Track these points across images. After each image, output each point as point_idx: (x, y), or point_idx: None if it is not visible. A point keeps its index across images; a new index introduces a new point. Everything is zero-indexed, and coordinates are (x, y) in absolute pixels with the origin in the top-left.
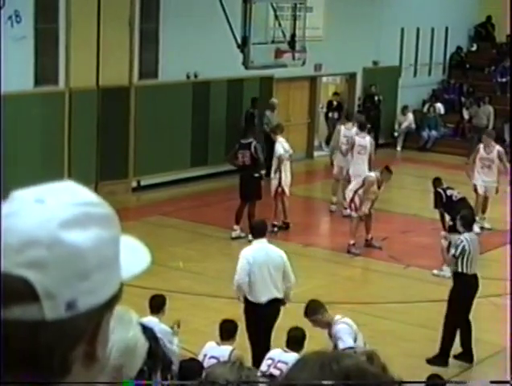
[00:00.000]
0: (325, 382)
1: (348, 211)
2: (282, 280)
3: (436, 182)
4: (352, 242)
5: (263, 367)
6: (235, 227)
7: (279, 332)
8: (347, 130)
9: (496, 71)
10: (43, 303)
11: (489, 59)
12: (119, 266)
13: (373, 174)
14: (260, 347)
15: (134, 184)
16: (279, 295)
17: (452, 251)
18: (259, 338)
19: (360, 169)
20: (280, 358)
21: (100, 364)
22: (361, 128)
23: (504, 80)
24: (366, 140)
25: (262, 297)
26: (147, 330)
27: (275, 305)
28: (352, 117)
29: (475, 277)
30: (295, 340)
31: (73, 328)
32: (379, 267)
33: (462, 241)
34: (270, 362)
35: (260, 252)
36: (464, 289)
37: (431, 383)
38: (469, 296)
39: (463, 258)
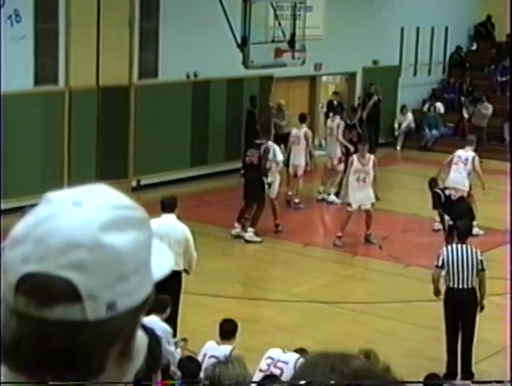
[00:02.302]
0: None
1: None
2: (183, 254)
3: (433, 183)
4: (339, 234)
5: (263, 365)
6: (236, 224)
7: (280, 332)
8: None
9: (496, 71)
10: (85, 304)
11: (488, 58)
12: (151, 268)
13: (354, 156)
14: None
15: (134, 184)
16: (178, 268)
17: (435, 261)
18: None
19: (297, 159)
20: (280, 357)
21: (131, 363)
22: (300, 120)
23: (504, 79)
24: (301, 131)
25: None
26: (148, 330)
27: (175, 277)
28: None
29: (457, 290)
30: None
31: (112, 328)
32: (379, 266)
33: (442, 252)
34: (269, 361)
35: (164, 226)
36: (444, 304)
37: (430, 384)
38: (447, 311)
39: (446, 270)
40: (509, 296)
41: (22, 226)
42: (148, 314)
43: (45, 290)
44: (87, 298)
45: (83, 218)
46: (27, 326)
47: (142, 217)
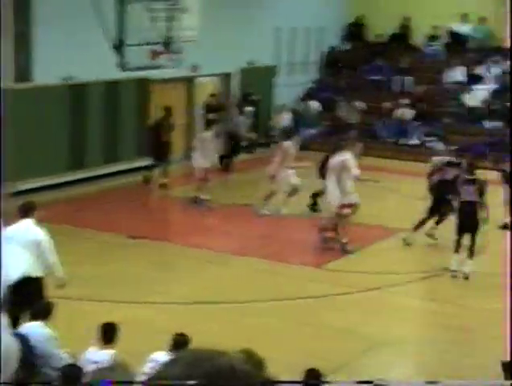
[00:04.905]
0: (190, 382)
1: None
2: (37, 258)
3: None
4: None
5: (146, 369)
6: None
7: (162, 335)
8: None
9: (368, 70)
10: None
11: (361, 57)
12: None
13: None
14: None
15: (12, 189)
16: (33, 274)
17: None
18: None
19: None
20: (164, 360)
21: None
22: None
23: (377, 77)
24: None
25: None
26: (21, 338)
27: (30, 283)
28: None
29: None
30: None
31: None
32: (260, 265)
33: None
34: (153, 364)
35: (14, 230)
36: None
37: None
38: None
39: None
40: (508, 296)
41: None
42: (33, 319)
43: None
44: None
45: None
46: None
47: None
